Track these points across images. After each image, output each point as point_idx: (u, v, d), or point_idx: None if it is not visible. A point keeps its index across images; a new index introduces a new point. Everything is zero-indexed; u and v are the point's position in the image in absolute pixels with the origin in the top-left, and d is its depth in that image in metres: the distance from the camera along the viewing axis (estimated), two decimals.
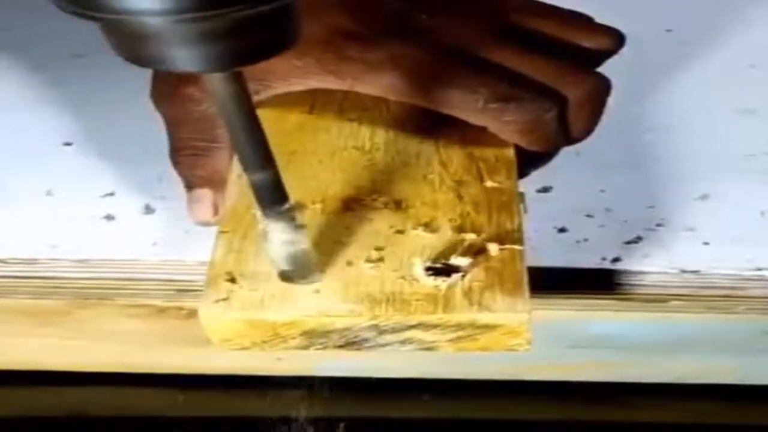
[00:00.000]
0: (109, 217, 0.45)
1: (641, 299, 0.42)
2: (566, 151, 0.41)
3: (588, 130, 0.40)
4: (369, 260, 0.34)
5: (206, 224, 0.40)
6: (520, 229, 0.35)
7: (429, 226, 0.35)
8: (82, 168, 0.48)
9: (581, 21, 0.43)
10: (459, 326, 0.32)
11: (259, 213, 0.32)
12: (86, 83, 0.53)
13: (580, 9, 0.43)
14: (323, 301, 0.32)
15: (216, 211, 0.40)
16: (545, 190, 0.46)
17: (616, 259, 0.42)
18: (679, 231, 0.44)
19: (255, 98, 0.39)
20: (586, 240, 0.43)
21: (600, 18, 0.43)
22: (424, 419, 0.46)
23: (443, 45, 0.39)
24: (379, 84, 0.38)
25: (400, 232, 0.35)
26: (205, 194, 0.40)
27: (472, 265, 0.33)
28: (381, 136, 0.40)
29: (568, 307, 0.42)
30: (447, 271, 0.33)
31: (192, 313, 0.41)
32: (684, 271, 0.42)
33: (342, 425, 0.44)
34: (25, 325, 0.44)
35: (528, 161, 0.40)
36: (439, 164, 0.38)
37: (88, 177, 0.47)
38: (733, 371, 0.45)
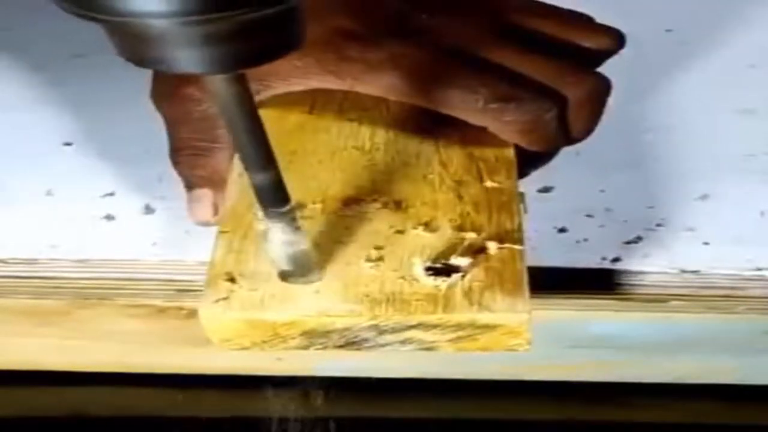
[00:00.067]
0: (109, 217, 0.45)
1: (641, 299, 0.42)
2: (566, 151, 0.41)
3: (588, 130, 0.40)
4: (369, 260, 0.34)
5: (206, 224, 0.40)
6: (520, 229, 0.35)
7: (429, 226, 0.35)
8: (82, 168, 0.48)
9: (581, 21, 0.43)
10: (459, 326, 0.32)
11: (259, 213, 0.32)
12: (86, 83, 0.53)
13: (580, 9, 0.43)
14: (323, 301, 0.32)
15: (216, 211, 0.40)
16: (546, 190, 0.46)
17: (616, 259, 0.42)
18: (679, 231, 0.44)
19: (255, 98, 0.39)
20: (586, 240, 0.43)
21: (600, 18, 0.43)
22: (424, 419, 0.46)
23: (443, 45, 0.39)
24: (379, 84, 0.38)
25: (400, 232, 0.35)
26: (205, 194, 0.40)
27: (472, 265, 0.33)
28: (381, 136, 0.40)
29: (568, 307, 0.42)
30: (447, 271, 0.33)
31: (192, 313, 0.41)
32: (684, 271, 0.42)
33: (342, 425, 0.44)
34: (25, 325, 0.44)
35: (528, 161, 0.40)
36: (439, 164, 0.38)
37: (88, 177, 0.47)
38: (733, 371, 0.45)
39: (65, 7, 0.26)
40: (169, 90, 0.40)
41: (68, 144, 0.50)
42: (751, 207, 0.45)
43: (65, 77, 0.54)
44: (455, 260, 0.33)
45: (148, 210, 0.45)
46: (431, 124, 0.39)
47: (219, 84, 0.28)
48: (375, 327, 0.32)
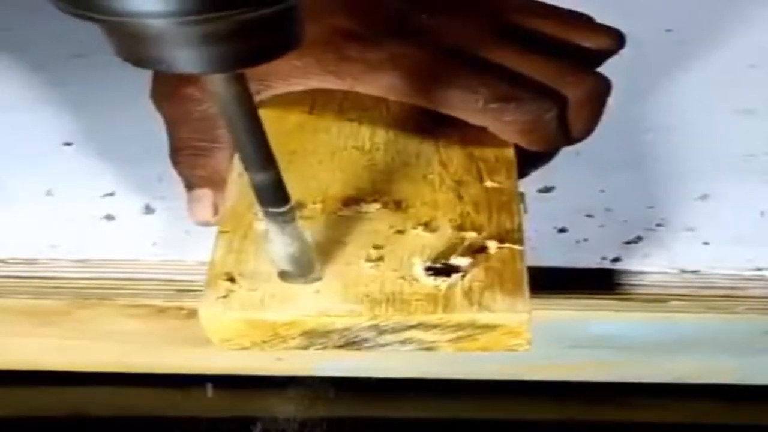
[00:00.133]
0: (109, 217, 0.45)
1: (641, 299, 0.42)
2: (566, 151, 0.41)
3: (588, 130, 0.40)
4: (369, 260, 0.34)
5: (206, 224, 0.40)
6: (520, 229, 0.35)
7: (429, 226, 0.35)
8: (82, 168, 0.48)
9: (581, 21, 0.43)
10: (459, 326, 0.32)
11: (259, 213, 0.32)
12: (86, 83, 0.53)
13: (580, 9, 0.43)
14: (323, 301, 0.32)
15: (216, 211, 0.40)
16: (547, 189, 0.46)
17: (616, 259, 0.42)
18: (679, 231, 0.44)
19: (255, 98, 0.39)
20: (586, 240, 0.43)
21: (600, 18, 0.43)
22: (424, 419, 0.46)
23: (443, 45, 0.39)
24: (379, 84, 0.38)
25: (400, 232, 0.35)
26: (205, 194, 0.40)
27: (472, 265, 0.33)
28: (381, 136, 0.40)
29: (568, 307, 0.42)
30: (447, 271, 0.33)
31: (192, 313, 0.41)
32: (684, 271, 0.42)
33: (342, 425, 0.44)
34: (25, 325, 0.44)
35: (528, 161, 0.40)
36: (439, 164, 0.38)
37: (88, 177, 0.47)
38: (733, 371, 0.45)
39: (62, 8, 0.26)
40: (169, 90, 0.40)
41: (68, 144, 0.50)
42: (751, 207, 0.45)
43: (65, 77, 0.54)
44: (455, 260, 0.33)
45: (148, 210, 0.45)
46: (431, 124, 0.39)
47: (218, 84, 0.28)
48: (375, 327, 0.32)
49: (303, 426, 0.44)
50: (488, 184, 0.37)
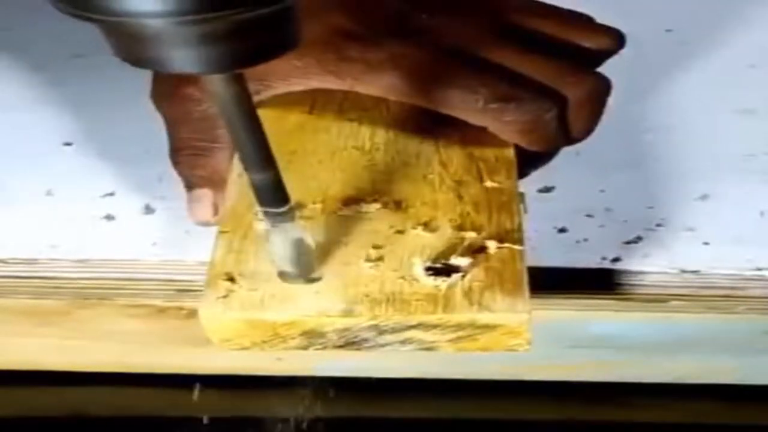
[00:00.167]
0: (109, 217, 0.45)
1: (641, 299, 0.42)
2: (566, 151, 0.41)
3: (588, 130, 0.40)
4: (369, 260, 0.34)
5: (206, 224, 0.40)
6: (520, 229, 0.35)
7: (429, 226, 0.35)
8: (82, 168, 0.48)
9: (581, 21, 0.43)
10: (459, 326, 0.32)
11: (259, 213, 0.32)
12: (86, 83, 0.53)
13: (580, 9, 0.43)
14: (323, 301, 0.32)
15: (216, 211, 0.40)
16: (547, 189, 0.46)
17: (616, 259, 0.42)
18: (679, 231, 0.44)
19: (255, 98, 0.39)
20: (586, 240, 0.43)
21: (600, 18, 0.43)
22: (424, 419, 0.46)
23: (443, 45, 0.39)
24: (379, 84, 0.38)
25: (400, 232, 0.35)
26: (205, 194, 0.40)
27: (472, 265, 0.33)
28: (381, 136, 0.40)
29: (568, 307, 0.42)
30: (447, 271, 0.33)
31: (192, 313, 0.41)
32: (684, 271, 0.42)
33: (342, 425, 0.44)
34: (25, 325, 0.44)
35: (528, 161, 0.40)
36: (439, 164, 0.38)
37: (88, 177, 0.47)
38: (733, 371, 0.45)
39: (61, 8, 0.26)
40: (169, 90, 0.40)
41: (68, 144, 0.50)
42: (751, 207, 0.45)
43: (65, 77, 0.54)
44: (455, 260, 0.33)
45: (148, 210, 0.45)
46: (431, 124, 0.39)
47: (217, 84, 0.28)
48: (375, 327, 0.32)
49: (303, 426, 0.44)
50: (488, 184, 0.37)
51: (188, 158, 0.40)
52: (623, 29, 0.42)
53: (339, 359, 0.44)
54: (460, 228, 0.35)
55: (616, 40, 0.42)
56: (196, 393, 0.46)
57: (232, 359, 0.45)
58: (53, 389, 0.47)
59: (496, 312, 0.32)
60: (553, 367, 0.45)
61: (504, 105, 0.37)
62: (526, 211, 0.37)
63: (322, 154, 0.39)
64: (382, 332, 0.32)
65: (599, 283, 0.42)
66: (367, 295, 0.32)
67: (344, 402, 0.45)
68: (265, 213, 0.32)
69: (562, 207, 0.45)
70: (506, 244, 0.34)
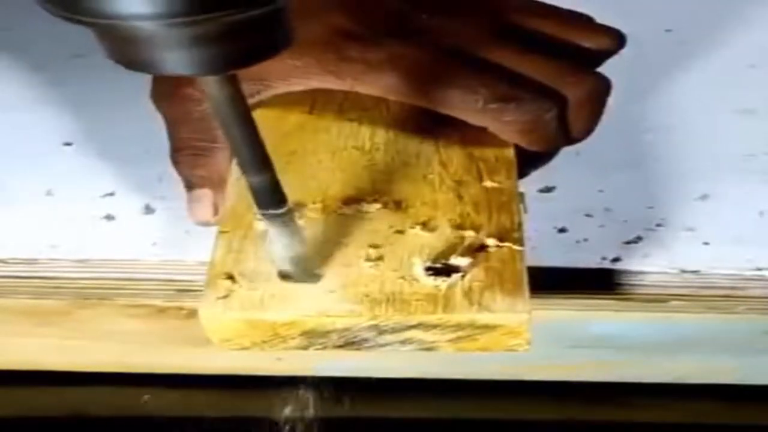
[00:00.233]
0: (109, 217, 0.45)
1: (641, 299, 0.42)
2: (566, 151, 0.41)
3: (588, 130, 0.40)
4: (369, 260, 0.34)
5: (206, 224, 0.40)
6: (520, 229, 0.35)
7: (429, 226, 0.35)
8: (82, 168, 0.48)
9: (581, 21, 0.43)
10: (459, 326, 0.32)
11: (258, 214, 0.32)
12: (86, 83, 0.53)
13: (580, 9, 0.43)
14: (323, 301, 0.32)
15: (216, 211, 0.40)
16: (547, 189, 0.46)
17: (616, 259, 0.42)
18: (679, 231, 0.44)
19: (255, 98, 0.39)
20: (586, 240, 0.43)
21: (600, 18, 0.43)
22: (424, 419, 0.46)
23: (443, 45, 0.39)
24: (379, 84, 0.38)
25: (400, 232, 0.35)
26: (205, 194, 0.40)
27: (472, 265, 0.33)
28: (381, 136, 0.40)
29: (568, 307, 0.42)
30: (447, 271, 0.33)
31: (192, 313, 0.41)
32: (684, 271, 0.42)
33: (342, 425, 0.44)
34: (25, 325, 0.44)
35: (528, 161, 0.40)
36: (439, 164, 0.38)
37: (88, 177, 0.47)
38: (733, 371, 0.45)
39: (52, 11, 0.26)
40: (169, 90, 0.40)
41: (68, 144, 0.50)
42: (751, 207, 0.45)
43: (65, 77, 0.54)
44: (455, 260, 0.33)
45: (148, 210, 0.45)
46: (431, 124, 0.39)
47: (211, 85, 0.28)
48: (375, 327, 0.32)
49: (303, 426, 0.44)
50: (488, 184, 0.37)
51: (188, 158, 0.40)
52: (623, 29, 0.42)
53: (339, 359, 0.44)
54: (460, 228, 0.35)
55: (616, 40, 0.42)
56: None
57: (232, 359, 0.45)
58: (53, 389, 0.47)
59: (496, 312, 0.32)
60: (553, 367, 0.45)
61: (504, 105, 0.37)
62: (526, 211, 0.37)
63: (322, 154, 0.39)
64: (382, 332, 0.32)
65: (599, 283, 0.42)
66: (367, 295, 0.32)
67: (344, 402, 0.45)
68: (264, 214, 0.32)
69: (562, 207, 0.45)
70: (506, 244, 0.34)
